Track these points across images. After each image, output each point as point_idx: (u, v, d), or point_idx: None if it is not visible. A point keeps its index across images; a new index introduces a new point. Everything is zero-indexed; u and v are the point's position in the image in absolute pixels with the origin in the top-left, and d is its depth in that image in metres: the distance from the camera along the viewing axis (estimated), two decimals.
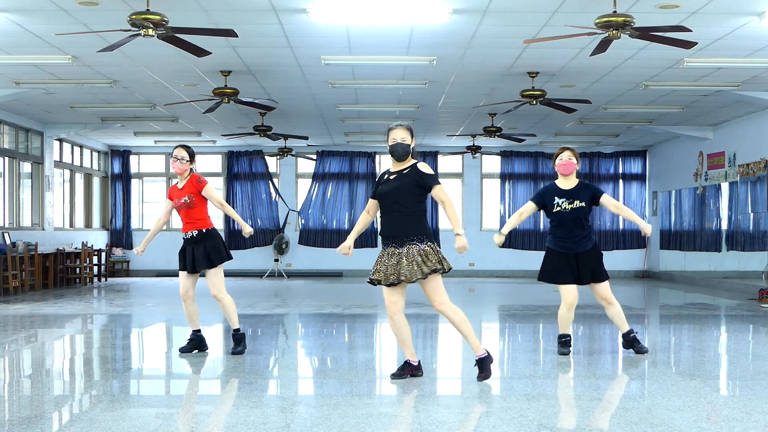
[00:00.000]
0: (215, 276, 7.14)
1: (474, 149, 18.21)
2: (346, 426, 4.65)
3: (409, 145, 5.89)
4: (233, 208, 20.61)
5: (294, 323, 10.39)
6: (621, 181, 21.32)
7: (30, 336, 9.05)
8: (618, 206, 7.29)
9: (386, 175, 5.99)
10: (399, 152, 5.88)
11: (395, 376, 6.01)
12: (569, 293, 7.09)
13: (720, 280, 16.43)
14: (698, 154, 17.98)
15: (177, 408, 5.34)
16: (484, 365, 5.95)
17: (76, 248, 17.57)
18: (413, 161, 5.96)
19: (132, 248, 20.97)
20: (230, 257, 7.28)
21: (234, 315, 7.20)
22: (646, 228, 7.16)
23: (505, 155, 21.07)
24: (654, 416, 4.87)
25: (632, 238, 21.24)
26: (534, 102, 12.05)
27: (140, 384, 6.29)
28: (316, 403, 5.37)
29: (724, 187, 16.88)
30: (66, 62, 10.92)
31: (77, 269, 17.29)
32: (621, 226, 21.21)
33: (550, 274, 7.17)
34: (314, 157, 20.74)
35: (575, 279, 7.09)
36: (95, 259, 18.48)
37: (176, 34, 8.23)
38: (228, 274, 20.09)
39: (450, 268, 5.83)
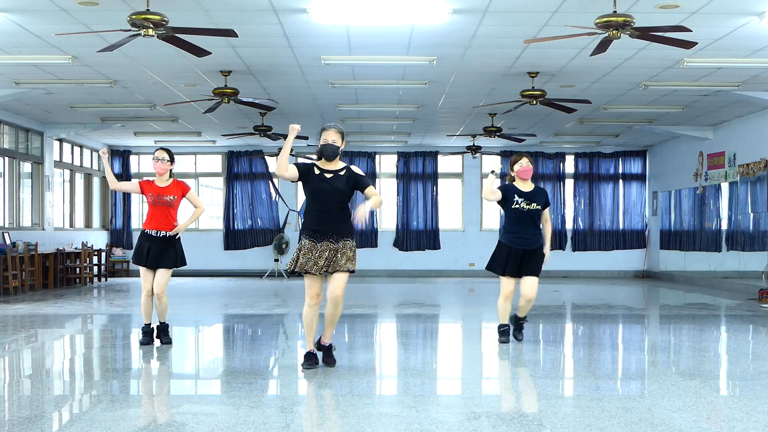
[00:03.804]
0: (167, 275, 7.67)
1: (474, 149, 18.20)
2: (346, 426, 4.65)
3: (339, 147, 6.41)
4: (233, 208, 20.88)
5: (294, 323, 10.38)
6: (621, 181, 21.29)
7: (30, 336, 9.05)
8: (546, 221, 7.76)
9: (318, 171, 6.41)
10: (328, 152, 6.39)
11: (307, 367, 6.43)
12: (508, 285, 7.71)
13: (720, 280, 16.43)
14: (698, 154, 17.98)
15: (177, 408, 5.34)
16: (330, 352, 6.62)
17: (76, 248, 17.56)
18: (344, 163, 6.51)
19: (132, 248, 20.97)
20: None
21: (167, 310, 7.85)
22: (547, 256, 7.74)
23: (505, 155, 21.05)
24: (654, 416, 4.87)
25: (632, 238, 21.23)
26: (534, 102, 12.04)
27: (140, 384, 6.29)
28: (316, 403, 5.37)
29: (724, 187, 16.87)
30: (66, 62, 10.92)
31: (77, 269, 17.29)
32: (621, 226, 21.21)
33: (498, 265, 7.73)
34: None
35: (517, 273, 7.67)
36: (95, 259, 18.48)
37: (176, 34, 8.23)
38: (228, 274, 20.36)
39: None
